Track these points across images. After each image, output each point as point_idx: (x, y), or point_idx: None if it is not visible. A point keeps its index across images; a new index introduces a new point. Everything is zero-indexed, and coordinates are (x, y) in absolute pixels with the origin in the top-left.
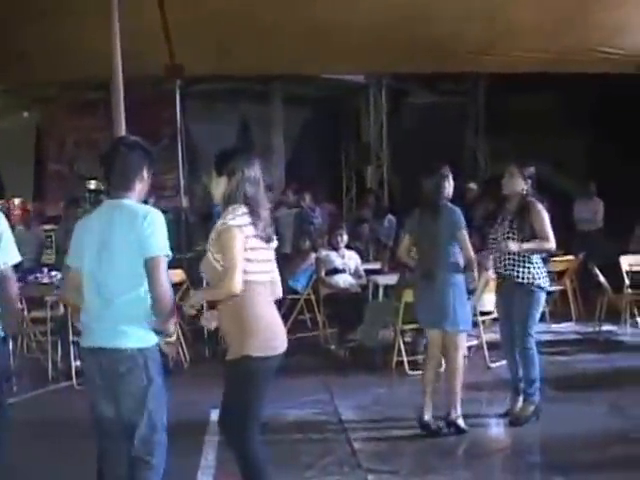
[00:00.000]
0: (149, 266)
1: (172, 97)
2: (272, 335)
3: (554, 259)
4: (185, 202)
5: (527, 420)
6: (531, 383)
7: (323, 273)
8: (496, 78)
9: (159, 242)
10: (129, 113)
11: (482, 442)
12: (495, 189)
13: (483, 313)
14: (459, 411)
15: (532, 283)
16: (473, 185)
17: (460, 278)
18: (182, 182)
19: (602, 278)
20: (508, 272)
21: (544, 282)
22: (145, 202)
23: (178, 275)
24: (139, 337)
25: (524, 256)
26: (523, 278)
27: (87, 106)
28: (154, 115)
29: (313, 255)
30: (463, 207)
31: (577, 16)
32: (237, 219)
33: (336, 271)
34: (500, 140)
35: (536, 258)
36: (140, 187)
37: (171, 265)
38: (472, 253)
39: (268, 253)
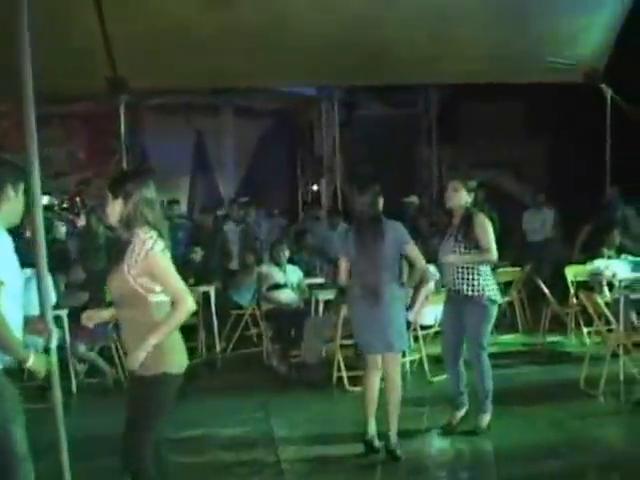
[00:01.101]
0: None
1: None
2: (183, 352)
3: (501, 270)
4: None
5: (484, 431)
6: (487, 395)
7: (265, 288)
8: (448, 88)
9: None
10: (79, 128)
11: (418, 459)
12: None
13: (423, 327)
14: (396, 437)
15: (482, 296)
16: (414, 198)
17: (402, 296)
18: None
19: (546, 290)
20: (458, 285)
21: (494, 295)
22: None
23: None
24: None
25: (472, 268)
26: (473, 291)
27: (40, 120)
28: (105, 130)
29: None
30: (403, 221)
31: (521, 26)
32: (159, 243)
33: (278, 286)
34: (454, 149)
35: (485, 270)
36: (6, 208)
37: None
38: (424, 263)
39: None
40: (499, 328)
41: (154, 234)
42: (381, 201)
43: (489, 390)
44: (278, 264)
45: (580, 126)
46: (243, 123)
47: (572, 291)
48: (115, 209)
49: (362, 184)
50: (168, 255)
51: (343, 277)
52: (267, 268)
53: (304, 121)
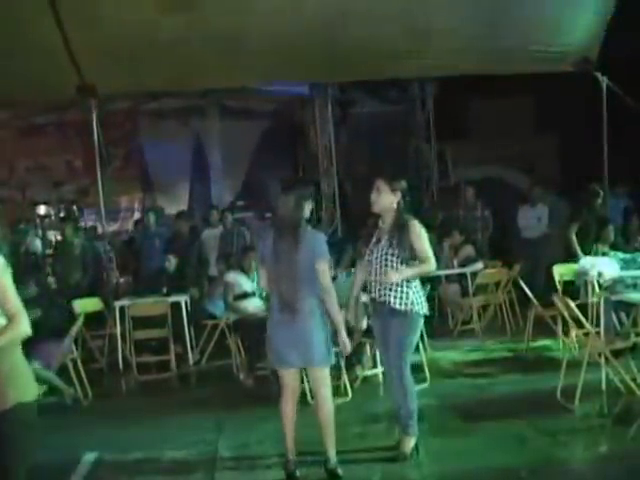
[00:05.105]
0: None
1: (122, 118)
2: (32, 376)
3: (488, 270)
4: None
5: (409, 456)
6: (411, 414)
7: (231, 298)
8: (444, 83)
9: None
10: (75, 135)
11: None
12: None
13: None
14: (334, 456)
15: (411, 310)
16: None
17: (321, 309)
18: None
19: (528, 291)
20: (383, 298)
21: (422, 308)
22: None
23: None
24: None
25: (402, 281)
26: (401, 305)
27: (37, 130)
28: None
29: None
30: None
31: (504, 15)
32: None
33: (246, 295)
34: (454, 146)
35: (415, 282)
36: None
37: None
38: (328, 284)
39: None
40: (488, 333)
41: None
42: (307, 206)
43: (413, 410)
44: (247, 272)
45: (584, 117)
46: (237, 125)
47: (560, 291)
48: None
49: (288, 185)
50: (9, 273)
51: (262, 283)
52: (234, 276)
53: (299, 121)
